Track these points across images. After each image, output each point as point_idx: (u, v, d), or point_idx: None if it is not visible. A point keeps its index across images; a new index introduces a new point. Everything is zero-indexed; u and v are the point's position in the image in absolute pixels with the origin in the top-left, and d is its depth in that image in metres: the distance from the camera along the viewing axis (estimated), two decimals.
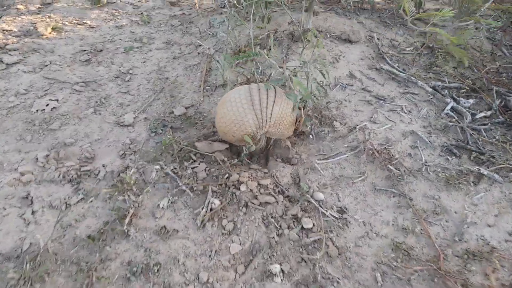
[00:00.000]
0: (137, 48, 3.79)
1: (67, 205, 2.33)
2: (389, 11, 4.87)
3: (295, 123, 2.66)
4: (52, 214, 2.30)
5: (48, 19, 4.04)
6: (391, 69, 3.68)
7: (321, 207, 2.35)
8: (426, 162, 2.71)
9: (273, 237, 2.19)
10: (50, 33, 3.78)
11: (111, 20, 4.27)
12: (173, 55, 3.71)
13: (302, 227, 2.26)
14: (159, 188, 2.45)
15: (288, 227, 2.26)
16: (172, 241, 2.16)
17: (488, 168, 2.67)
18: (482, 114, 3.16)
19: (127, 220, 2.20)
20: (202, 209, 2.31)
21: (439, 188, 2.54)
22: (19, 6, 4.27)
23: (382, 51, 3.97)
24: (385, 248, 2.19)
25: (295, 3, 4.70)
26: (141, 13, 4.44)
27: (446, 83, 3.58)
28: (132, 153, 2.68)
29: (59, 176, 2.49)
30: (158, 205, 2.34)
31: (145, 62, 3.61)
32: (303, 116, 2.66)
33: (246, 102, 2.42)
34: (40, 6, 4.35)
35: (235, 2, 3.83)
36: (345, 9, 4.87)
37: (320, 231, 2.22)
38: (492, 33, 4.52)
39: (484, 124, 3.06)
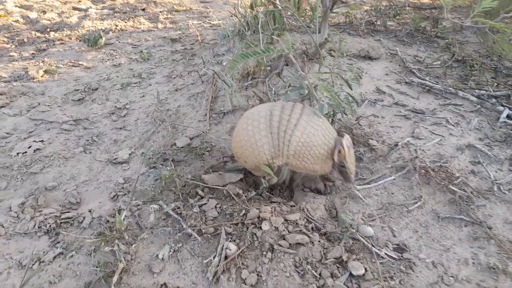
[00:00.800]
0: (135, 83, 3.44)
1: (40, 263, 1.80)
2: (404, 31, 4.52)
3: (333, 155, 1.89)
4: (21, 275, 1.76)
5: (41, 63, 3.77)
6: (424, 81, 3.21)
7: (372, 246, 1.76)
8: (497, 180, 2.12)
9: None
10: (42, 76, 3.48)
11: (108, 60, 3.99)
12: (175, 87, 3.33)
13: (351, 274, 1.66)
14: (158, 234, 1.91)
15: (332, 275, 1.66)
16: None
17: None
18: None
19: (115, 279, 1.64)
20: (214, 258, 1.75)
21: None
22: (12, 53, 4.05)
23: (409, 65, 3.53)
24: None
25: (302, 28, 4.39)
26: (141, 51, 4.17)
27: (490, 91, 3.08)
28: (125, 194, 2.18)
29: (34, 227, 1.98)
30: (157, 255, 1.79)
31: (143, 96, 3.23)
32: (345, 146, 1.84)
33: (264, 121, 1.90)
34: (34, 52, 4.12)
35: (240, 28, 3.52)
36: (358, 30, 4.55)
37: (376, 279, 1.61)
38: None
39: None
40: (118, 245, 1.76)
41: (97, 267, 1.72)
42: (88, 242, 1.86)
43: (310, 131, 1.86)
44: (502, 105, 2.82)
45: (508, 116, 2.70)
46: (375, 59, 3.69)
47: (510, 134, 2.47)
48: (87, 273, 1.73)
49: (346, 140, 1.87)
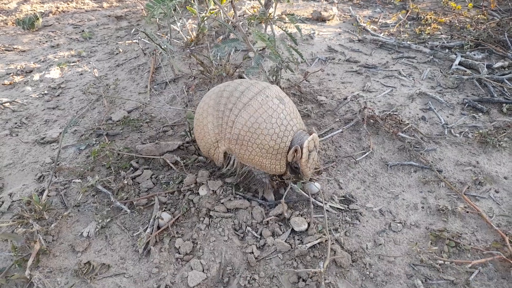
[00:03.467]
0: (73, 63, 3.18)
1: None
2: None
3: (291, 154, 1.48)
4: None
5: None
6: (377, 37, 3.09)
7: (316, 200, 1.62)
8: (448, 124, 2.03)
9: (252, 252, 1.45)
10: None
11: (46, 42, 3.69)
12: (116, 63, 3.09)
13: (293, 231, 1.53)
14: (85, 211, 1.72)
15: (273, 234, 1.53)
16: (100, 282, 1.41)
17: None
18: (499, 64, 2.53)
19: (29, 262, 1.45)
20: (145, 230, 1.58)
21: (474, 151, 1.84)
22: None
23: (362, 24, 3.40)
24: (420, 242, 1.45)
25: None
26: (82, 31, 3.88)
27: (444, 43, 2.99)
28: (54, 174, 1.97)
29: None
30: (82, 234, 1.61)
31: (82, 74, 2.98)
32: (304, 148, 1.43)
33: (215, 97, 1.61)
34: None
35: None
36: None
37: (320, 232, 1.48)
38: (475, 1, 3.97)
39: (505, 74, 2.42)
40: (33, 226, 1.56)
41: (13, 252, 1.53)
42: (5, 226, 1.65)
43: (261, 115, 1.47)
44: (455, 54, 2.73)
45: (460, 63, 2.61)
46: (328, 20, 3.54)
47: (462, 80, 2.38)
48: (1, 259, 1.54)
49: (310, 141, 1.44)
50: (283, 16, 2.27)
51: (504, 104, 2.11)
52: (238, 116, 1.51)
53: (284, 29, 2.17)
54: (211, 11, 2.90)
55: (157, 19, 3.49)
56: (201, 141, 1.68)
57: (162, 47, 2.38)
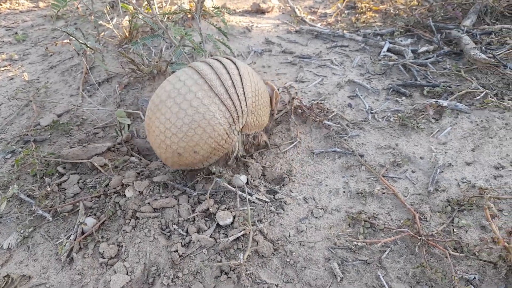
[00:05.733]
0: (4, 67, 3.02)
1: None
2: None
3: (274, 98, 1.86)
4: None
5: None
6: (313, 27, 3.14)
7: (243, 192, 1.65)
8: (372, 109, 2.11)
9: (176, 250, 1.46)
10: None
11: None
12: (50, 65, 2.97)
13: (218, 225, 1.54)
14: (7, 222, 1.66)
15: (199, 231, 1.54)
16: None
17: (447, 99, 2.11)
18: (424, 49, 2.65)
19: None
20: (67, 238, 1.54)
21: (395, 134, 1.93)
22: None
23: (299, 15, 3.44)
24: (339, 225, 1.51)
25: None
26: (15, 33, 3.69)
27: (377, 30, 3.09)
28: None
29: None
30: (2, 246, 1.55)
31: (12, 79, 2.84)
32: (275, 88, 1.85)
33: (201, 89, 1.48)
34: None
35: None
36: None
37: (244, 224, 1.51)
38: None
39: (428, 58, 2.54)
40: None
41: None
42: None
43: (255, 78, 1.66)
44: (384, 41, 2.83)
45: (389, 50, 2.71)
46: (267, 12, 3.57)
47: (389, 66, 2.48)
48: None
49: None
50: (208, 9, 2.26)
51: (425, 87, 2.22)
52: (244, 87, 1.55)
53: (211, 23, 2.17)
54: (147, 8, 2.83)
55: (92, 17, 3.37)
56: (205, 142, 1.50)
57: (89, 46, 2.31)
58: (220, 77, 1.53)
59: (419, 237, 1.38)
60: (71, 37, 2.29)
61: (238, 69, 1.60)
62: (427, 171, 1.71)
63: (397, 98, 2.18)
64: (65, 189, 1.78)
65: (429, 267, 1.29)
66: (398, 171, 1.73)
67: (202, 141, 1.49)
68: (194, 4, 2.63)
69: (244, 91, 1.55)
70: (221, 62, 1.61)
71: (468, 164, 1.72)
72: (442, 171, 1.69)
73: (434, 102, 2.02)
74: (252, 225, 1.50)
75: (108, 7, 3.58)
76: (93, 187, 1.78)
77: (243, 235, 1.48)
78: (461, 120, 1.97)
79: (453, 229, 1.43)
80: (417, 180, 1.68)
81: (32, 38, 3.63)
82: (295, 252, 1.43)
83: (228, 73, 1.56)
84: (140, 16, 2.13)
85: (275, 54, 2.79)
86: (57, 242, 1.54)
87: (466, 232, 1.43)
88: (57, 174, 1.86)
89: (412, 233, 1.39)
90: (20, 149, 2.07)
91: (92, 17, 3.31)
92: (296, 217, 1.56)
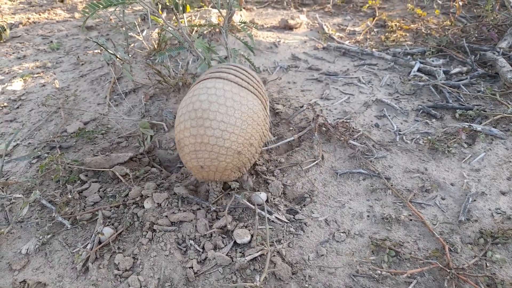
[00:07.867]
0: (37, 74, 3.13)
1: None
2: (333, 2, 4.42)
3: None
4: None
5: None
6: (341, 45, 3.11)
7: (262, 211, 1.60)
8: (400, 131, 2.03)
9: (191, 267, 1.42)
10: None
11: (13, 53, 3.64)
12: (80, 74, 3.06)
13: (236, 243, 1.50)
14: (27, 227, 1.67)
15: (215, 248, 1.50)
16: None
17: (481, 123, 2.01)
18: (457, 70, 2.55)
19: None
20: (85, 247, 1.54)
21: (424, 158, 1.84)
22: None
23: (327, 32, 3.42)
24: (361, 251, 1.44)
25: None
26: (50, 42, 3.84)
27: (407, 49, 3.02)
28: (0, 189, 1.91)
29: None
30: (20, 251, 1.56)
31: (44, 86, 2.93)
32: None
33: (232, 86, 1.54)
34: None
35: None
36: (283, 3, 4.41)
37: (261, 244, 1.46)
38: (444, 8, 4.03)
39: (461, 80, 2.45)
40: None
41: None
42: None
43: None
44: (415, 60, 2.76)
45: (419, 70, 2.63)
46: (295, 28, 3.56)
47: (419, 86, 2.40)
48: None
49: None
50: (236, 24, 2.27)
51: (457, 110, 2.13)
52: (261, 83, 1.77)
53: (238, 38, 2.17)
54: (175, 22, 2.88)
55: (123, 28, 3.46)
56: (256, 133, 1.55)
57: (118, 57, 2.36)
58: (249, 79, 1.66)
59: (448, 270, 1.29)
60: (102, 48, 2.34)
61: (251, 73, 1.76)
62: (458, 199, 1.61)
63: (427, 120, 2.10)
64: (85, 197, 1.79)
65: None
66: (427, 197, 1.64)
67: (254, 130, 1.53)
68: (222, 18, 2.66)
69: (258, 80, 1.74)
70: (237, 69, 1.73)
71: (503, 193, 1.62)
72: (475, 200, 1.59)
73: (467, 126, 1.93)
74: (270, 245, 1.45)
75: (139, 19, 3.68)
76: (113, 196, 1.78)
77: (260, 256, 1.43)
78: (495, 146, 1.86)
79: (486, 263, 1.33)
80: (447, 208, 1.59)
81: (65, 47, 3.76)
82: (314, 277, 1.36)
83: (250, 77, 1.70)
84: (168, 29, 2.15)
85: (301, 70, 2.77)
86: (74, 251, 1.54)
87: (501, 267, 1.32)
88: (79, 181, 1.88)
89: (441, 265, 1.30)
90: (46, 155, 2.11)
91: (123, 28, 3.40)
92: (317, 240, 1.50)
